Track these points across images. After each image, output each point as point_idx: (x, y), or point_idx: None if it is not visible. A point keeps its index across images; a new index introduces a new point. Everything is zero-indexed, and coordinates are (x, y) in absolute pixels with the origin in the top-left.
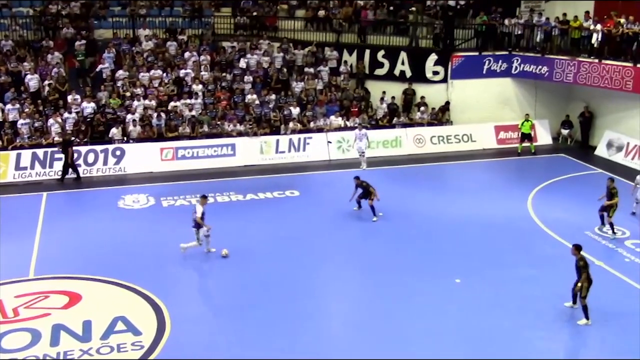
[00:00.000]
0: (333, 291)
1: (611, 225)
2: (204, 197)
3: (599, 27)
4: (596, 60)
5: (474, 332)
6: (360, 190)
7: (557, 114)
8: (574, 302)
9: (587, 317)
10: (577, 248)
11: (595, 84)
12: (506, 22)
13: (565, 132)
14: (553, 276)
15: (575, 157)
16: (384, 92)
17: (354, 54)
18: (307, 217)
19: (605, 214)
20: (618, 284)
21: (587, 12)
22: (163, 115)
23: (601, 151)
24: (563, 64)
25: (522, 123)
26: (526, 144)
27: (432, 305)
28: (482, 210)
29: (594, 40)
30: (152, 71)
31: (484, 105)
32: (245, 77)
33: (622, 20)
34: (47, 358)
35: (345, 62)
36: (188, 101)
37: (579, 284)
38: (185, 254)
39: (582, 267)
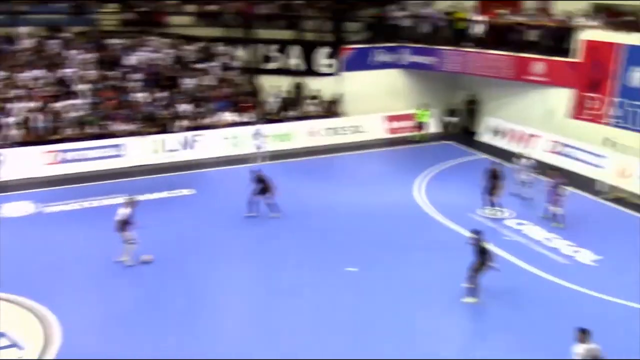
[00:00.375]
0: (229, 289)
1: (494, 205)
2: (131, 200)
3: (481, 18)
4: (480, 51)
5: (370, 318)
6: (258, 186)
7: (443, 102)
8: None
9: (473, 296)
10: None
11: (479, 73)
12: (395, 13)
13: (451, 119)
14: (443, 259)
15: (462, 144)
16: (275, 86)
17: (246, 49)
18: (203, 215)
19: (490, 196)
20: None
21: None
22: (44, 117)
23: (484, 137)
24: (448, 54)
25: (419, 113)
26: (421, 132)
27: (327, 295)
28: (373, 199)
29: (477, 30)
30: (34, 71)
31: (375, 97)
32: (134, 74)
33: (504, 11)
34: None
35: (237, 57)
36: (73, 101)
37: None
38: (75, 261)
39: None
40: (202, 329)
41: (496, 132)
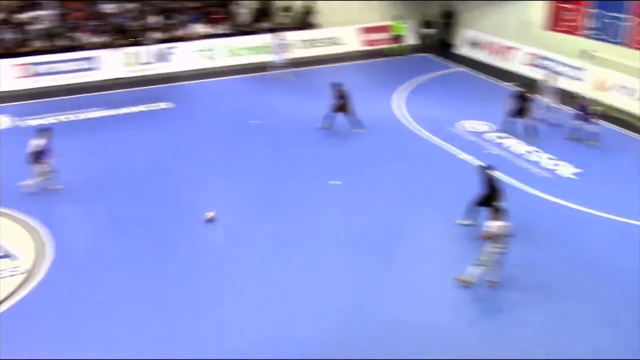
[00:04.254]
0: (212, 200)
1: (527, 129)
2: (44, 131)
3: None
4: None
5: (356, 229)
6: (338, 102)
7: (419, 14)
8: None
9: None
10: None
11: None
12: None
13: (427, 32)
14: (423, 168)
15: (439, 56)
16: None
17: None
18: (182, 128)
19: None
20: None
21: None
22: (11, 29)
23: (462, 49)
24: None
25: (395, 25)
26: (400, 44)
27: (313, 207)
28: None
29: None
30: None
31: (350, 8)
32: None
33: None
34: None
35: None
36: (39, 12)
37: None
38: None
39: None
40: (189, 242)
41: (474, 44)
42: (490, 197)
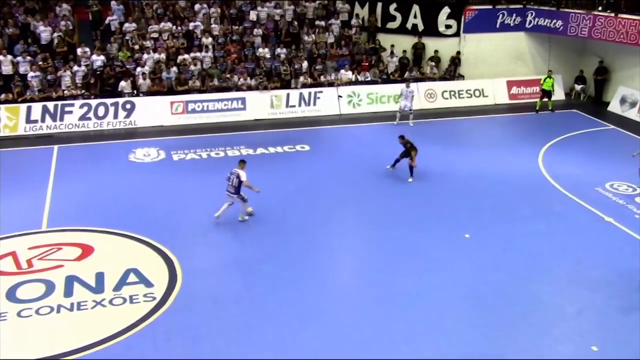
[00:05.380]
0: (341, 245)
1: None
2: (243, 162)
3: None
4: (612, 14)
5: (482, 287)
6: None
7: (570, 69)
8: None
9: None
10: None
11: (610, 39)
12: None
13: (578, 87)
14: (561, 232)
15: (588, 113)
16: (392, 46)
17: (366, 7)
18: (318, 171)
19: None
20: (628, 240)
21: None
22: (173, 68)
23: (614, 107)
24: (578, 17)
25: (544, 79)
26: (545, 99)
27: (441, 260)
28: (493, 166)
29: None
30: (162, 24)
31: (497, 60)
32: (255, 29)
33: None
34: (61, 308)
35: (357, 14)
36: (198, 54)
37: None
38: (198, 206)
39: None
40: (315, 281)
41: (628, 102)
42: None
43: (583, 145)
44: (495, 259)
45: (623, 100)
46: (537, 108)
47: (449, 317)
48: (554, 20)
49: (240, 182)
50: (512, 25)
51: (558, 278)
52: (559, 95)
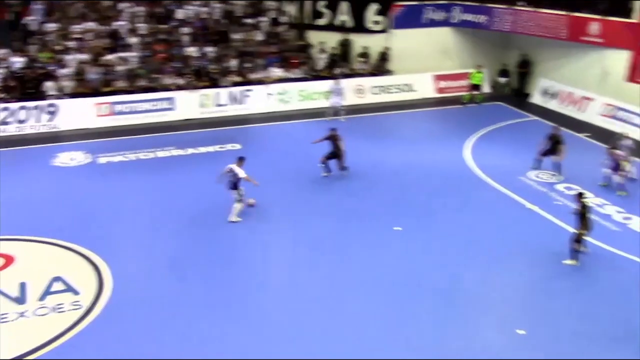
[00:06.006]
0: (270, 243)
1: (555, 168)
2: (242, 159)
3: None
4: (534, 9)
5: (411, 278)
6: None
7: (494, 62)
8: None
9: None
10: (579, 195)
11: (532, 33)
12: None
13: (502, 80)
14: (488, 220)
15: (512, 105)
16: (321, 43)
17: (294, 4)
18: (249, 170)
19: (545, 157)
20: (549, 226)
21: None
22: (97, 69)
23: (537, 98)
24: (501, 12)
25: (473, 74)
26: (475, 92)
27: (370, 253)
28: (422, 158)
29: None
30: (85, 23)
31: (424, 55)
32: (183, 28)
33: None
34: None
35: (285, 12)
36: (123, 54)
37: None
38: (127, 210)
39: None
40: (246, 283)
41: (549, 94)
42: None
43: (508, 136)
44: (424, 250)
45: (544, 92)
46: (465, 101)
47: (377, 310)
48: (478, 15)
49: (238, 178)
50: (438, 20)
51: (485, 265)
52: (484, 88)
